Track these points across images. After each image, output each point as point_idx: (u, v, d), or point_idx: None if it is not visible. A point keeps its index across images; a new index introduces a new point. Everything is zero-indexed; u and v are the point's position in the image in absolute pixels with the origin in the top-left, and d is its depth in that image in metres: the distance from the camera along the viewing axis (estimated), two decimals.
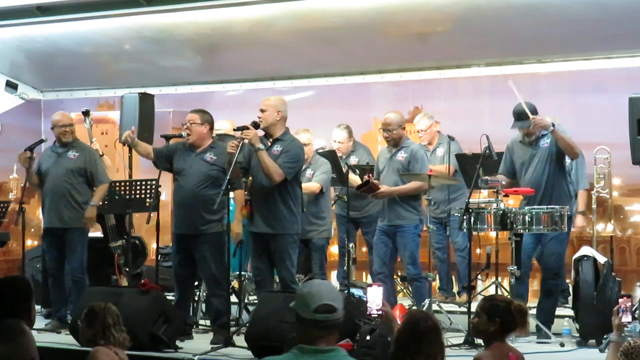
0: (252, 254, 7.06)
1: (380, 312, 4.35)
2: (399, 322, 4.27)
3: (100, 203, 7.73)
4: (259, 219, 6.80)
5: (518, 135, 7.21)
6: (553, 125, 6.83)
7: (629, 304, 4.64)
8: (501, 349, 4.37)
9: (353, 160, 8.61)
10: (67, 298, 7.72)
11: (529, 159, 7.10)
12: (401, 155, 7.52)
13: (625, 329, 4.64)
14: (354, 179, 7.84)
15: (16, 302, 4.03)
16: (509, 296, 7.14)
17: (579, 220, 8.13)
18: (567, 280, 7.76)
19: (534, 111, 6.98)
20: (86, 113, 8.61)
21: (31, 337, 3.26)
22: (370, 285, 4.49)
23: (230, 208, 7.03)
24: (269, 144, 6.84)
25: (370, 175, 7.44)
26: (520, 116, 7.00)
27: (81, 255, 7.68)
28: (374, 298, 4.36)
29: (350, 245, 7.90)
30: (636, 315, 4.78)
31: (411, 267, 7.38)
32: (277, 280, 7.11)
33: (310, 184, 7.89)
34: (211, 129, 7.22)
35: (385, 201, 7.52)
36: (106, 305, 4.83)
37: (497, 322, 4.36)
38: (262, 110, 6.83)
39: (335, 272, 9.20)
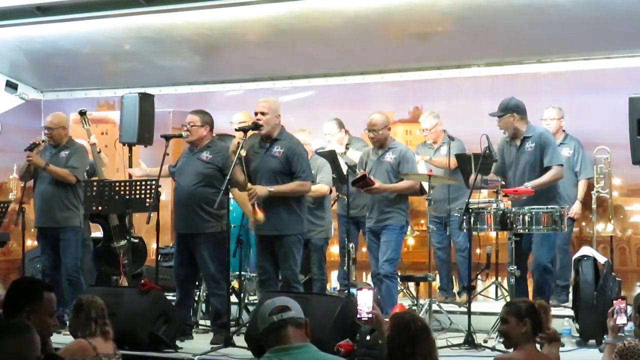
0: (257, 254, 7.07)
1: (370, 315, 4.35)
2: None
3: (45, 165, 7.62)
4: (265, 221, 6.79)
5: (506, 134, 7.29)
6: (527, 187, 6.91)
7: (623, 305, 4.63)
8: (527, 353, 4.37)
9: (350, 153, 8.60)
10: (64, 298, 7.72)
11: (514, 159, 7.16)
12: (390, 157, 7.53)
13: (620, 330, 4.63)
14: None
15: (12, 303, 4.04)
16: (508, 296, 7.19)
17: (577, 207, 8.17)
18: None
19: (510, 108, 7.08)
20: (83, 113, 8.61)
21: (36, 335, 3.27)
22: (360, 289, 4.49)
23: (231, 208, 7.04)
24: (267, 145, 6.85)
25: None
26: (499, 106, 7.15)
27: (75, 255, 7.68)
28: (364, 301, 4.37)
29: (351, 245, 7.89)
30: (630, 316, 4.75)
31: (387, 264, 7.36)
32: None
33: (320, 187, 7.87)
34: (211, 130, 7.26)
35: (372, 202, 7.54)
36: (93, 298, 5.08)
37: (527, 322, 4.37)
38: (262, 114, 6.82)
39: (336, 272, 9.20)
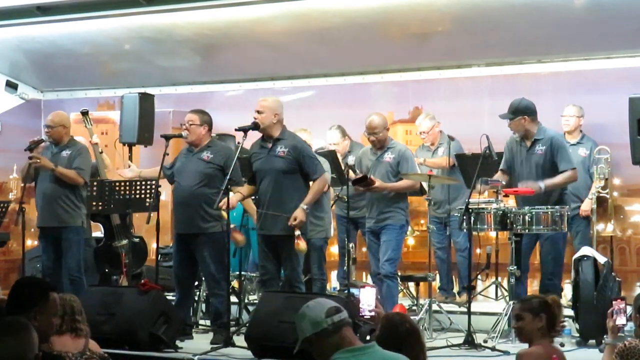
0: (259, 254, 7.05)
1: (372, 314, 4.34)
2: None
3: (55, 167, 7.62)
4: (268, 221, 6.79)
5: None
6: (541, 187, 6.85)
7: (623, 305, 4.61)
8: (545, 348, 4.32)
9: (351, 160, 8.60)
10: None
11: (525, 160, 7.13)
12: (389, 157, 7.53)
13: (620, 330, 4.61)
14: None
15: (21, 303, 4.05)
16: (508, 296, 7.20)
17: (586, 204, 8.15)
18: (567, 281, 7.75)
19: (521, 110, 7.03)
20: (85, 113, 8.60)
21: (34, 333, 3.28)
22: (363, 287, 4.49)
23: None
24: (270, 145, 6.84)
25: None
26: (509, 108, 7.07)
27: (77, 254, 7.68)
28: (367, 299, 4.36)
29: (350, 245, 7.89)
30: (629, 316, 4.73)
31: (387, 264, 7.37)
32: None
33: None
34: (210, 129, 7.26)
35: (371, 202, 7.54)
36: (63, 297, 4.85)
37: (543, 317, 4.33)
38: (258, 112, 6.82)
39: (336, 272, 9.20)
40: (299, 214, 6.60)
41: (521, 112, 7.06)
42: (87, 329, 4.81)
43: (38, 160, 7.60)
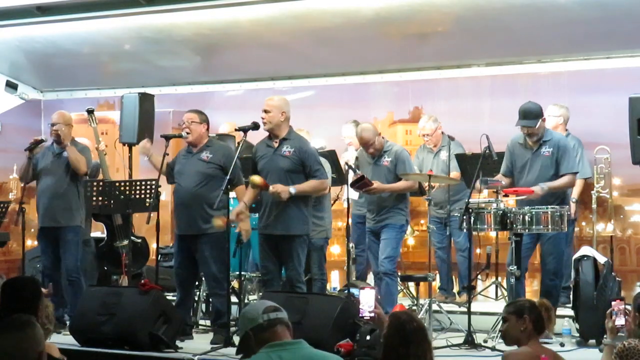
0: (260, 254, 7.05)
1: (372, 315, 4.35)
2: None
3: (71, 154, 7.67)
4: (271, 220, 6.79)
5: (518, 137, 7.22)
6: (543, 188, 6.84)
7: (622, 306, 4.62)
8: (534, 348, 4.34)
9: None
10: (64, 298, 7.71)
11: (528, 162, 7.11)
12: (386, 160, 7.55)
13: (619, 331, 4.61)
14: None
15: (24, 303, 4.06)
16: (508, 296, 7.20)
17: (571, 207, 8.10)
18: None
19: (539, 114, 7.00)
20: (91, 112, 8.59)
21: (40, 331, 3.29)
22: (362, 288, 4.51)
23: (230, 208, 7.04)
24: (276, 144, 6.84)
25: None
26: (526, 114, 7.01)
27: (76, 255, 7.67)
28: (367, 300, 4.38)
29: (351, 245, 7.90)
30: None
31: (386, 261, 7.41)
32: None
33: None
34: (208, 128, 7.27)
35: (372, 202, 7.55)
36: None
37: (526, 319, 4.36)
38: (266, 111, 6.82)
39: (336, 272, 9.19)
40: (281, 188, 6.58)
41: (539, 114, 7.04)
42: (49, 331, 4.46)
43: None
